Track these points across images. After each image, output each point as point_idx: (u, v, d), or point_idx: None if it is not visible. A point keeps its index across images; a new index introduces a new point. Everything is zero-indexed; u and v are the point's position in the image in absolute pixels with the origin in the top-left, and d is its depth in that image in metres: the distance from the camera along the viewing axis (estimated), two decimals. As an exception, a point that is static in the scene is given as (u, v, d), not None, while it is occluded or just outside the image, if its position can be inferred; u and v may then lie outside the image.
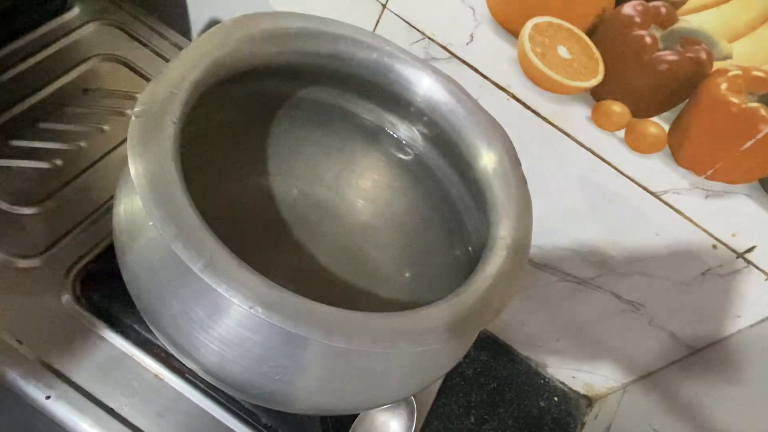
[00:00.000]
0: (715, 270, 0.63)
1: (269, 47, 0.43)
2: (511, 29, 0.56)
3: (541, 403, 0.86)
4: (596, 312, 0.75)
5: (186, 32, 0.73)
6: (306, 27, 0.44)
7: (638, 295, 0.70)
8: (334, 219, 0.57)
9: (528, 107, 0.60)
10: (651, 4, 0.50)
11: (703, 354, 0.70)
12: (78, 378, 0.45)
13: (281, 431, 0.49)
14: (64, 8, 0.64)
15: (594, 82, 0.56)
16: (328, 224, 0.56)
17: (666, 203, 0.60)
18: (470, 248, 0.47)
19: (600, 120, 0.58)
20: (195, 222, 0.31)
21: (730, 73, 0.50)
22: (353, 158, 0.56)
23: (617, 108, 0.56)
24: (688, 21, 0.50)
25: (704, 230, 0.61)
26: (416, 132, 0.51)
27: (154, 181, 0.32)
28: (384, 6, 0.60)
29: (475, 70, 0.60)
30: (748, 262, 0.60)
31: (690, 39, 0.50)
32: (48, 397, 0.44)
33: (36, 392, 0.44)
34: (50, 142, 0.55)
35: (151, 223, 0.31)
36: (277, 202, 0.55)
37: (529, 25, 0.55)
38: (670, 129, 0.55)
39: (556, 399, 0.87)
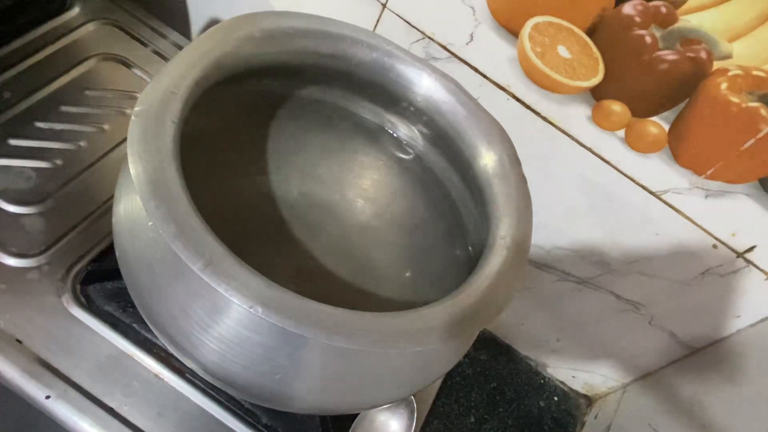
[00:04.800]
0: (715, 270, 0.63)
1: (269, 47, 0.43)
2: (511, 29, 0.56)
3: (541, 403, 0.86)
4: (596, 312, 0.75)
5: (186, 32, 0.73)
6: (306, 27, 0.44)
7: (638, 295, 0.70)
8: (334, 219, 0.57)
9: (528, 107, 0.60)
10: (651, 3, 0.50)
11: (703, 354, 0.70)
12: (78, 378, 0.45)
13: (281, 431, 0.49)
14: (64, 8, 0.64)
15: (594, 81, 0.56)
16: (328, 224, 0.56)
17: (666, 203, 0.60)
18: (470, 248, 0.47)
19: (600, 120, 0.58)
20: (195, 222, 0.31)
21: (730, 73, 0.50)
22: (353, 158, 0.56)
23: (617, 108, 0.56)
24: (688, 21, 0.50)
25: (704, 230, 0.61)
26: (416, 132, 0.51)
27: (154, 181, 0.32)
28: (384, 6, 0.60)
29: (475, 69, 0.60)
30: (748, 261, 0.60)
31: (690, 39, 0.50)
32: (48, 397, 0.44)
33: (36, 392, 0.44)
34: (50, 142, 0.55)
35: (151, 223, 0.31)
36: (277, 202, 0.55)
37: (529, 24, 0.55)
38: (670, 129, 0.55)
39: (556, 399, 0.87)
